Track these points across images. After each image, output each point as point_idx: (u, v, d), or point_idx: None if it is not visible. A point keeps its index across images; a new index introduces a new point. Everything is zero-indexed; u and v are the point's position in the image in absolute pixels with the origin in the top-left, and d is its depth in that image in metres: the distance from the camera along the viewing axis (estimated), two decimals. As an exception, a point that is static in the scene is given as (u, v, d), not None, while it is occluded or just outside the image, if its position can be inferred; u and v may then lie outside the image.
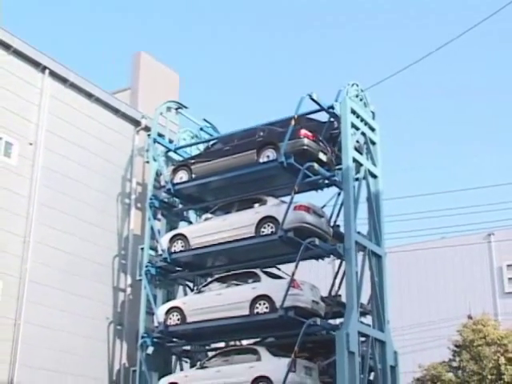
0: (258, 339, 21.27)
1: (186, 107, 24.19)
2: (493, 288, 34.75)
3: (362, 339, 18.84)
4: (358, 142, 20.52)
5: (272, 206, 19.62)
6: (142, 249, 22.12)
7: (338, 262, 21.21)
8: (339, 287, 20.81)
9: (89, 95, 23.00)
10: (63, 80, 22.26)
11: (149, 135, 23.20)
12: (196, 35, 78.20)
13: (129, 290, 23.12)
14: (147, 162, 23.35)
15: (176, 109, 24.07)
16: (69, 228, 21.59)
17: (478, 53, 73.07)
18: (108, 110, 23.67)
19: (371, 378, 19.26)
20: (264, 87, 78.66)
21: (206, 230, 20.34)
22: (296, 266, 18.44)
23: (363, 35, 77.30)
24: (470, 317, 25.61)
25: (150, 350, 20.85)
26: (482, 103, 73.77)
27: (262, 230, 19.27)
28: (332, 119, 20.43)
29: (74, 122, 22.46)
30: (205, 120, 24.09)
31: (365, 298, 19.92)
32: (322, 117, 20.79)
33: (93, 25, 77.67)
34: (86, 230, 22.09)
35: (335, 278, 20.99)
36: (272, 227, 19.08)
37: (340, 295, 20.70)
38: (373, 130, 21.33)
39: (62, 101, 22.21)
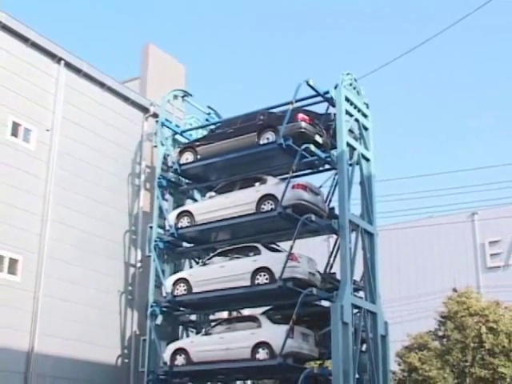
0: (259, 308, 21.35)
1: (191, 95, 24.18)
2: (476, 263, 34.87)
3: (355, 311, 18.84)
4: (352, 131, 20.41)
5: (272, 185, 19.64)
6: (151, 227, 22.12)
7: (332, 241, 21.17)
8: (333, 262, 20.81)
9: (101, 84, 22.96)
10: (77, 70, 22.21)
11: (157, 121, 23.16)
12: (196, 36, 77.88)
13: (139, 265, 23.13)
14: (155, 147, 23.36)
15: (182, 97, 24.08)
16: (83, 208, 21.60)
17: (461, 49, 72.78)
18: (119, 98, 23.61)
19: (363, 349, 19.29)
20: (263, 86, 78.43)
21: (210, 207, 20.39)
22: (294, 240, 18.48)
23: (363, 38, 76.72)
24: (454, 290, 25.57)
25: (159, 319, 20.94)
26: (464, 96, 73.76)
27: (263, 206, 19.31)
28: (329, 112, 20.34)
29: (88, 109, 22.43)
30: (209, 107, 24.11)
31: (357, 276, 19.92)
32: (320, 109, 20.82)
33: (95, 24, 77.52)
34: (98, 210, 22.10)
35: (330, 256, 20.95)
36: (272, 204, 19.10)
37: (335, 273, 20.68)
38: (365, 116, 21.25)
39: (76, 90, 22.17)
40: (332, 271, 20.88)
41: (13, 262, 19.32)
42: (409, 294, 33.87)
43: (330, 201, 20.71)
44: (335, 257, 20.38)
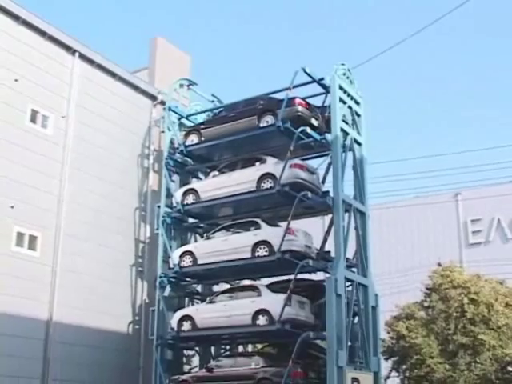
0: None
1: (196, 84, 24.20)
2: (459, 240, 34.99)
3: (348, 284, 18.87)
4: (346, 122, 20.42)
5: (271, 164, 19.70)
6: (159, 206, 22.16)
7: (327, 219, 21.08)
8: (327, 237, 20.88)
9: (112, 74, 22.98)
10: (91, 61, 22.23)
11: (164, 108, 23.16)
12: (192, 28, 77.19)
13: (148, 240, 23.21)
14: (163, 132, 23.38)
15: (187, 85, 24.12)
16: (96, 188, 21.68)
17: (453, 40, 72.00)
18: (129, 86, 23.62)
19: (355, 322, 19.34)
20: (261, 77, 77.93)
21: (214, 185, 20.47)
22: (291, 216, 18.54)
23: (359, 30, 75.70)
24: (439, 264, 25.67)
25: (167, 291, 21.00)
26: (456, 88, 73.26)
27: (262, 184, 19.40)
28: (325, 105, 20.34)
29: (100, 97, 22.47)
30: (212, 95, 24.12)
31: (350, 255, 19.90)
32: (317, 102, 20.82)
33: (97, 17, 77.03)
34: (110, 190, 22.16)
35: (325, 234, 20.90)
36: (271, 182, 19.20)
37: (329, 251, 20.73)
38: (358, 103, 21.18)
39: (89, 79, 22.20)
40: (326, 250, 20.93)
41: (32, 239, 19.48)
42: (397, 269, 34.02)
43: (325, 179, 20.72)
44: (328, 233, 20.41)
